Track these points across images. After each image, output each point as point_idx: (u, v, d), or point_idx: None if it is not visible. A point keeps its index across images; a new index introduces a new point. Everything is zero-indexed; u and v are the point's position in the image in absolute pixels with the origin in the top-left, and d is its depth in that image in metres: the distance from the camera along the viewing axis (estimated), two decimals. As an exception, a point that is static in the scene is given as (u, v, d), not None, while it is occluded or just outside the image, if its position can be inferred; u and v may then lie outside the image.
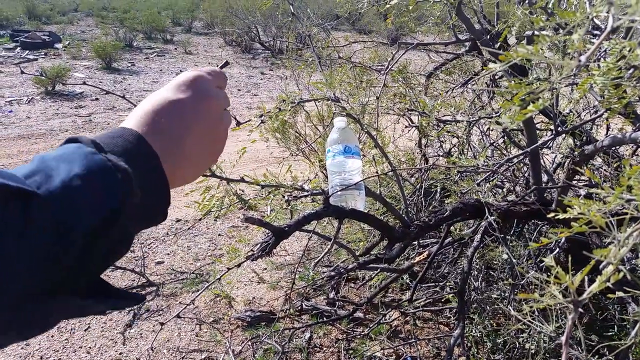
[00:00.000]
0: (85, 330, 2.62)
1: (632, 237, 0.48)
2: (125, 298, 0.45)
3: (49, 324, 0.40)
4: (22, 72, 1.55)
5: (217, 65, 0.70)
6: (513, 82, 0.64)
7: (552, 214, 0.63)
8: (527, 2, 1.29)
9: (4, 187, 0.34)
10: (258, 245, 1.18)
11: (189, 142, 0.54)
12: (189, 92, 0.55)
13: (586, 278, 0.52)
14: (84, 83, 1.06)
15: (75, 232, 0.37)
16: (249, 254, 1.18)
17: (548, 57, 0.53)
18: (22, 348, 2.47)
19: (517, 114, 0.47)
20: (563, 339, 0.47)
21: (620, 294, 0.76)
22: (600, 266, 0.48)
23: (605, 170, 2.15)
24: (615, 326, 1.94)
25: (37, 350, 2.46)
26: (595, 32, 1.13)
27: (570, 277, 0.48)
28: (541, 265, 1.92)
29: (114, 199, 0.40)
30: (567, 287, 0.49)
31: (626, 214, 0.59)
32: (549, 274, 0.54)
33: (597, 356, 1.64)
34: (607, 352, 1.75)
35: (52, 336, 2.57)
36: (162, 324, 2.36)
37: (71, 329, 2.62)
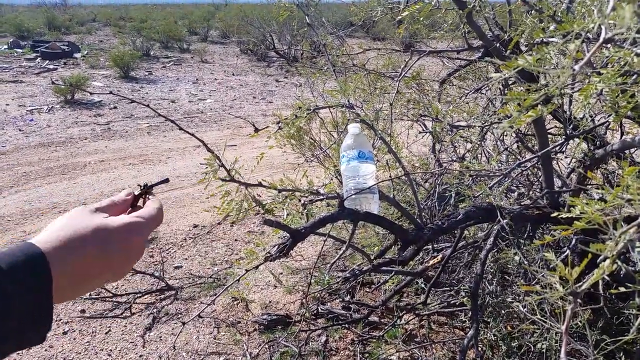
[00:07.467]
0: (106, 333, 2.69)
1: (627, 234, 0.52)
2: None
3: None
4: (53, 83, 1.62)
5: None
6: (521, 89, 0.68)
7: (556, 214, 0.66)
8: (534, 11, 1.32)
9: None
10: (276, 247, 1.23)
11: (98, 279, 0.57)
12: (121, 252, 0.59)
13: (600, 282, 0.55)
14: (111, 92, 1.12)
15: None
16: (267, 255, 1.22)
17: (550, 65, 0.56)
18: (45, 350, 2.54)
19: (517, 119, 0.51)
20: (563, 327, 0.51)
21: (626, 292, 0.79)
22: (598, 260, 0.52)
23: (618, 174, 2.16)
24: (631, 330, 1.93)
25: (60, 352, 2.54)
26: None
27: (569, 270, 0.52)
28: (551, 266, 1.93)
29: None
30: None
31: (632, 214, 0.62)
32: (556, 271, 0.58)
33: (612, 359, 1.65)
34: (622, 356, 1.75)
35: (74, 339, 2.64)
36: (184, 323, 2.42)
37: (92, 332, 2.69)
